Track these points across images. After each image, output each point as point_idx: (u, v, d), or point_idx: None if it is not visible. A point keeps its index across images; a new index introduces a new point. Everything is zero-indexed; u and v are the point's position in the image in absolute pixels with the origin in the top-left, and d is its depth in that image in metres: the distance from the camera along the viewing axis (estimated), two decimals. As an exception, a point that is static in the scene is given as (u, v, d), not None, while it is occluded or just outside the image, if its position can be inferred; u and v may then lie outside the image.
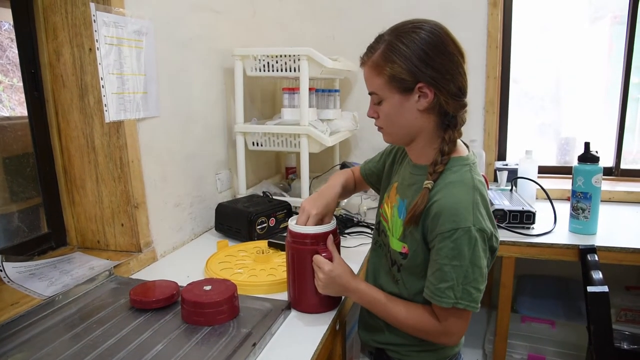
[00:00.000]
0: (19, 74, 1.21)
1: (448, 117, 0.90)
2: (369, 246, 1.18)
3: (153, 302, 1.01)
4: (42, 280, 1.09)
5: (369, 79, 0.92)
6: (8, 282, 1.06)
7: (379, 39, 0.90)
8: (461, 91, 0.88)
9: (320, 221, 1.03)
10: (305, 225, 1.02)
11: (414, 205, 0.88)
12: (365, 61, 0.92)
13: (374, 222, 1.16)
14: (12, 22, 1.17)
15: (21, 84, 1.21)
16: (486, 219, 0.86)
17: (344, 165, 1.79)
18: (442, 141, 0.90)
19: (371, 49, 0.91)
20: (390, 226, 0.99)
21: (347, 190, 1.20)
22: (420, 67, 0.85)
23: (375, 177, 1.17)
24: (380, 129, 0.97)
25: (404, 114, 0.90)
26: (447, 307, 0.84)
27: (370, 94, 0.94)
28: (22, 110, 1.23)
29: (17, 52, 1.19)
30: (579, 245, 1.46)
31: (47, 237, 1.28)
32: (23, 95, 1.22)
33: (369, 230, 1.59)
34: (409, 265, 0.93)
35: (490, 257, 0.89)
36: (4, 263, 1.09)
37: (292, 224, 1.02)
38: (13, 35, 1.18)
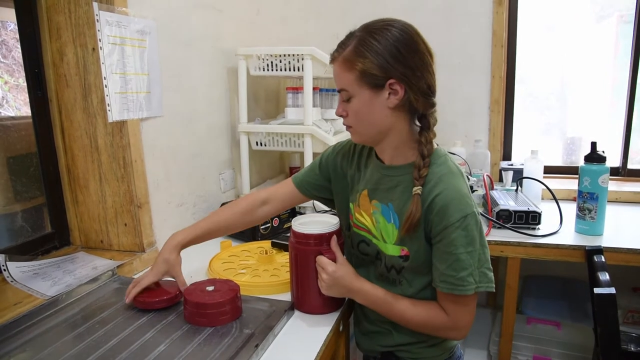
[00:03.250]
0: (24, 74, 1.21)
1: (418, 116, 0.91)
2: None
3: (156, 302, 1.01)
4: (45, 280, 1.09)
5: (339, 75, 0.91)
6: (11, 281, 1.06)
7: (350, 35, 0.90)
8: (431, 90, 0.88)
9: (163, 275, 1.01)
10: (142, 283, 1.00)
11: (409, 215, 0.87)
12: (335, 57, 0.91)
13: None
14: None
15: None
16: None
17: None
18: (420, 144, 0.90)
19: (342, 45, 0.90)
20: (378, 233, 0.97)
21: (232, 225, 1.11)
22: (392, 63, 0.84)
23: (319, 188, 1.10)
24: (348, 128, 0.95)
25: (374, 111, 0.89)
26: (463, 295, 0.85)
27: (339, 91, 0.92)
28: (27, 110, 1.23)
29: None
30: (585, 246, 1.45)
31: (50, 237, 1.28)
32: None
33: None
34: (413, 265, 0.92)
35: None
36: (7, 262, 1.09)
37: (296, 224, 1.02)
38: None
